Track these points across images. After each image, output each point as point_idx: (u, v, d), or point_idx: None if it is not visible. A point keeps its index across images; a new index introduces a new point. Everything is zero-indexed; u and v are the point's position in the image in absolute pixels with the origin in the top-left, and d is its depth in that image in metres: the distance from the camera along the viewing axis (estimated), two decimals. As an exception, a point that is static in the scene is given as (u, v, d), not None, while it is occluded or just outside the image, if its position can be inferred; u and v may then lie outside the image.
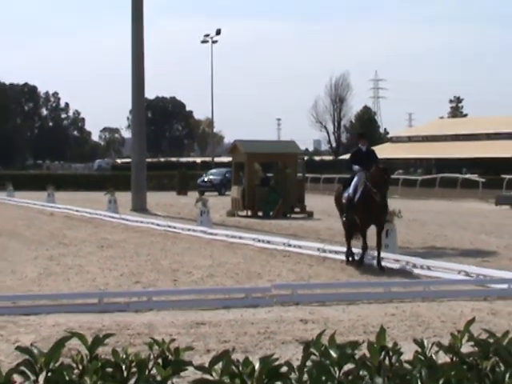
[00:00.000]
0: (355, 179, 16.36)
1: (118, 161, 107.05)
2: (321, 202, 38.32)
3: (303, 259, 17.23)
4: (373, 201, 15.57)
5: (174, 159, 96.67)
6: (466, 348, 2.62)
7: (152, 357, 2.44)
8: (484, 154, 74.10)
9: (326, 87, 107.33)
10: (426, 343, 2.59)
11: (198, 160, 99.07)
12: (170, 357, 2.45)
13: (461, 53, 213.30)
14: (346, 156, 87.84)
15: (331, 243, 19.21)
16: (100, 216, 30.53)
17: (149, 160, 56.04)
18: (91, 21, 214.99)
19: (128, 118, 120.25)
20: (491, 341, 2.63)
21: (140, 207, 35.41)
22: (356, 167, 16.48)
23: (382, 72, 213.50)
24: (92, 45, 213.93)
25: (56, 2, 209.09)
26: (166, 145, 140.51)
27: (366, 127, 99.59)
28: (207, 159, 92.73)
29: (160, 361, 2.43)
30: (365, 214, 15.78)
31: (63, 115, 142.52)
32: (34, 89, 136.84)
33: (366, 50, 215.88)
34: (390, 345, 2.52)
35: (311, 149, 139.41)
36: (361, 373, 2.41)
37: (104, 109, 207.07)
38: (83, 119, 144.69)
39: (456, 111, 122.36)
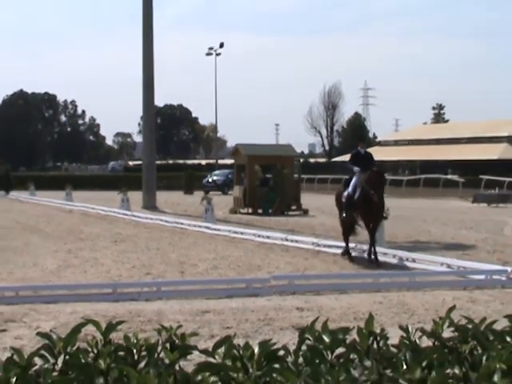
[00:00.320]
0: (354, 179, 16.27)
1: (130, 163, 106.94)
2: (315, 201, 38.33)
3: (299, 253, 17.22)
4: (371, 201, 15.52)
5: (181, 161, 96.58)
6: (447, 333, 2.62)
7: (161, 342, 2.44)
8: (464, 156, 74.10)
9: (320, 95, 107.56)
10: (410, 329, 2.59)
11: (203, 162, 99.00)
12: (177, 342, 2.45)
13: (443, 64, 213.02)
14: (339, 158, 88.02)
15: (325, 238, 19.20)
16: (114, 213, 30.51)
17: (158, 162, 55.99)
18: (106, 36, 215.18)
19: (139, 124, 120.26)
20: (470, 326, 2.63)
21: (150, 205, 35.39)
22: (356, 168, 16.40)
23: (371, 81, 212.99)
24: (106, 57, 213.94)
25: (74, 18, 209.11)
26: (174, 148, 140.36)
27: (357, 132, 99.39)
28: (211, 161, 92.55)
29: (168, 345, 2.43)
30: (366, 212, 15.72)
31: (80, 121, 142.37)
32: (53, 97, 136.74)
33: (356, 61, 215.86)
34: (377, 330, 2.52)
35: (306, 152, 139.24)
36: (351, 356, 2.41)
37: (117, 115, 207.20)
38: (98, 125, 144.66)
39: (438, 117, 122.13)
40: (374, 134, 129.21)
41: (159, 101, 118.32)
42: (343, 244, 16.58)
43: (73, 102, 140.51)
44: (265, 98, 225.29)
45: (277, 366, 2.26)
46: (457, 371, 2.33)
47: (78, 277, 13.64)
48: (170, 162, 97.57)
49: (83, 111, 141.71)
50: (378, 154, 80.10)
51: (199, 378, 2.18)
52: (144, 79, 36.61)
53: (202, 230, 22.99)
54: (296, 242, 18.62)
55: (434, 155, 78.64)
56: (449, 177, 56.12)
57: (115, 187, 42.05)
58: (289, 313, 10.34)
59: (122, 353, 2.37)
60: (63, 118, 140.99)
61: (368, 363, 2.32)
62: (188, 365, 2.36)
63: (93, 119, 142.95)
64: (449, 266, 14.16)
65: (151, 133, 37.88)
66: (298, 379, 2.15)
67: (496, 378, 2.20)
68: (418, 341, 2.53)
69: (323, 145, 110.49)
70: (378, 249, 15.76)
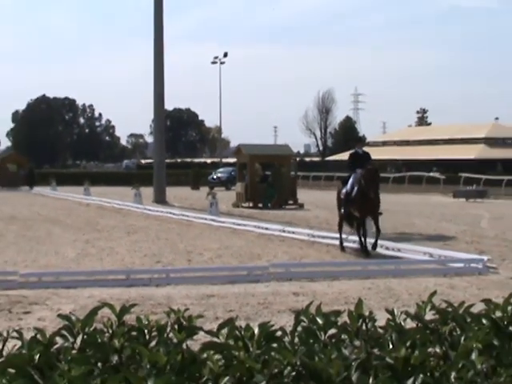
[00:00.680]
0: (352, 177, 16.07)
1: (143, 161, 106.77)
2: (310, 196, 38.33)
3: (295, 243, 17.22)
4: (368, 197, 15.34)
5: (188, 160, 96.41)
6: (429, 316, 2.62)
7: (169, 323, 2.44)
8: (445, 155, 74.10)
9: (315, 100, 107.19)
10: (396, 312, 2.59)
11: (209, 161, 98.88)
12: (184, 323, 2.45)
13: (425, 72, 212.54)
14: (332, 158, 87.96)
15: (319, 230, 19.19)
16: (127, 207, 30.53)
17: (168, 161, 55.93)
18: (120, 45, 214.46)
19: (151, 126, 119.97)
20: (450, 310, 2.63)
21: (160, 199, 35.42)
22: (358, 170, 15.97)
23: (361, 87, 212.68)
24: (121, 65, 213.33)
25: (92, 27, 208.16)
26: (182, 148, 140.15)
27: (348, 134, 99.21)
28: (216, 160, 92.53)
29: (176, 326, 2.43)
30: (362, 207, 15.50)
31: (97, 123, 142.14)
32: (73, 101, 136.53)
33: (347, 69, 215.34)
34: (366, 313, 2.52)
35: (302, 151, 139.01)
36: (342, 336, 2.41)
37: (130, 118, 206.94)
38: (113, 127, 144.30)
39: (422, 120, 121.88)
40: (363, 136, 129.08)
41: (169, 105, 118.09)
42: (336, 235, 16.48)
43: (91, 105, 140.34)
44: (265, 102, 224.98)
45: (275, 345, 2.26)
46: (438, 350, 2.34)
47: (95, 264, 13.66)
48: (179, 160, 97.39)
49: (100, 114, 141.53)
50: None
51: (204, 356, 2.19)
52: (155, 85, 36.59)
53: (207, 222, 23.00)
54: (292, 233, 18.62)
55: (418, 155, 78.57)
56: (431, 174, 56.00)
57: (129, 183, 42.11)
58: (286, 297, 10.34)
59: (134, 333, 2.37)
60: (82, 121, 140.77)
61: (357, 343, 2.33)
62: (194, 344, 2.36)
63: (109, 121, 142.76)
64: (431, 255, 14.16)
65: (161, 134, 37.90)
66: (294, 357, 2.16)
67: (473, 356, 2.21)
68: (402, 323, 2.53)
69: (317, 145, 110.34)
70: (366, 240, 15.64)
